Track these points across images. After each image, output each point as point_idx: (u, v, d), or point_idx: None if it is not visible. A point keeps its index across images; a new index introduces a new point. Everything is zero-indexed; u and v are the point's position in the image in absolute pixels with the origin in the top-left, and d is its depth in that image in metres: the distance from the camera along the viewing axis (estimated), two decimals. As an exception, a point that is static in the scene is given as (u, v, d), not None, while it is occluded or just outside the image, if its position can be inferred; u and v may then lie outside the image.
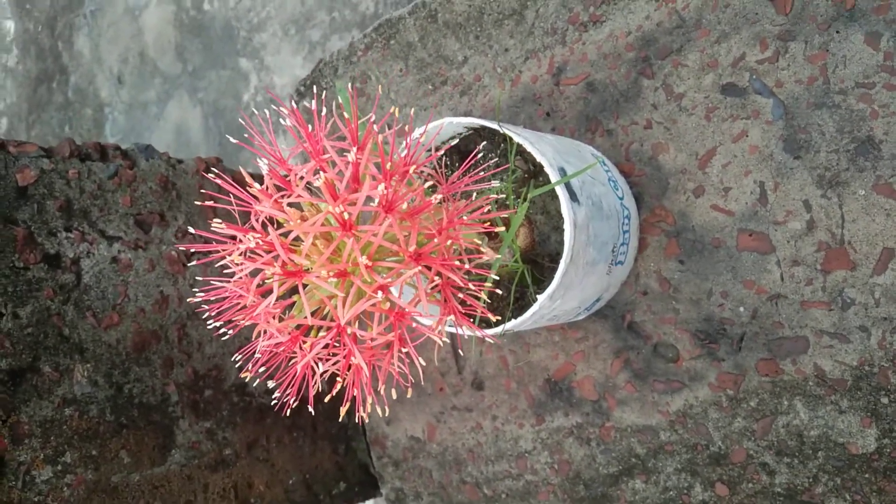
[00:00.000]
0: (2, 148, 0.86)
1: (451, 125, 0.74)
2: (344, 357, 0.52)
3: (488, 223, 0.68)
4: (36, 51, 2.21)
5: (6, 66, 2.29)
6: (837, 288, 0.78)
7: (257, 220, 0.52)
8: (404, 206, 0.52)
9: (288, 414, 1.01)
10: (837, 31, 0.77)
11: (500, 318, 0.78)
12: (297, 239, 0.52)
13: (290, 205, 0.53)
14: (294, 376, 0.56)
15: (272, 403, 0.95)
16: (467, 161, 0.60)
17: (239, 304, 0.55)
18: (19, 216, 0.84)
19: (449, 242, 0.52)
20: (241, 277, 0.53)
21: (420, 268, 0.50)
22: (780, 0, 0.80)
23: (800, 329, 0.80)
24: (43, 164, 0.88)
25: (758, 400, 0.82)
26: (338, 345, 0.53)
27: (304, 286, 0.51)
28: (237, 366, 0.59)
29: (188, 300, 0.61)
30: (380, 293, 0.49)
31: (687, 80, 0.86)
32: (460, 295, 0.56)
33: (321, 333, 0.53)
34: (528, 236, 0.82)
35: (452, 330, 0.80)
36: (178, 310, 0.94)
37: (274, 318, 0.54)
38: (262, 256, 0.51)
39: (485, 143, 0.78)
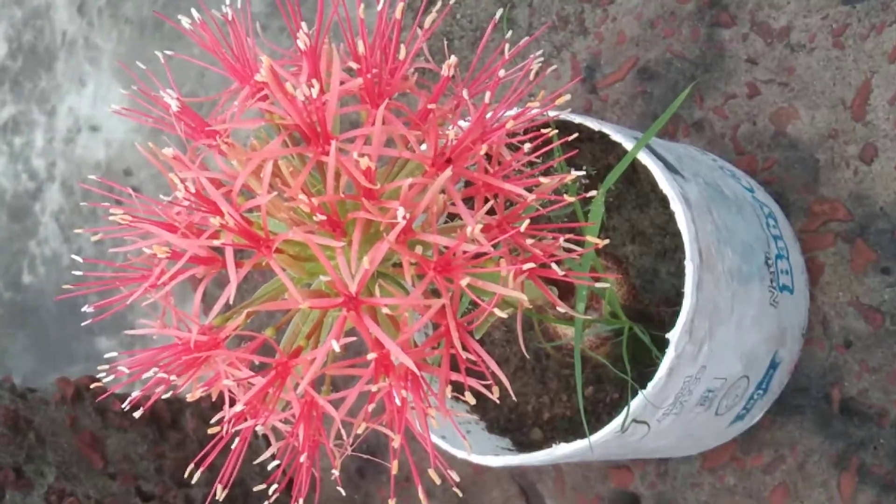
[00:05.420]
0: None
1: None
2: (373, 372, 0.52)
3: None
4: None
5: None
6: None
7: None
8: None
9: None
10: None
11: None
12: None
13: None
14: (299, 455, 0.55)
15: None
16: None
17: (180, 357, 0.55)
18: None
19: (484, 149, 0.55)
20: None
21: (450, 172, 0.52)
22: None
23: None
24: None
25: None
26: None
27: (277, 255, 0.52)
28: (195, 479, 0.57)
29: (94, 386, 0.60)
30: (401, 211, 0.50)
31: (787, 6, 0.93)
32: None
33: (324, 337, 0.54)
34: (622, 283, 0.83)
35: (522, 460, 0.78)
36: None
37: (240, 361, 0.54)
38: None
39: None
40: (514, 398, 0.78)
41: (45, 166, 1.99)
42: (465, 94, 0.56)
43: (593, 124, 0.78)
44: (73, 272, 0.60)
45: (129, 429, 1.05)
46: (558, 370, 0.85)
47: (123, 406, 0.58)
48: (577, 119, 0.78)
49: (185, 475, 0.58)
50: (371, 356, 0.52)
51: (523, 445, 0.84)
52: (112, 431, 1.03)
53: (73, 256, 0.65)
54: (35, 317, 1.99)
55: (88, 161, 1.94)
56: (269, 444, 0.59)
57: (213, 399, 0.56)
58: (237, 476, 1.10)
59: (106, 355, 0.57)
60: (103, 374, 0.58)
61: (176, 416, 1.09)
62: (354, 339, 0.52)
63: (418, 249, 0.53)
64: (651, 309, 0.81)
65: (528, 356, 0.84)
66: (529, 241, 0.56)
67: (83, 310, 0.60)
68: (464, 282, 0.52)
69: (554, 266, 0.56)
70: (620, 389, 0.81)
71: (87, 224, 1.90)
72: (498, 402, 0.78)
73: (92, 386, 0.54)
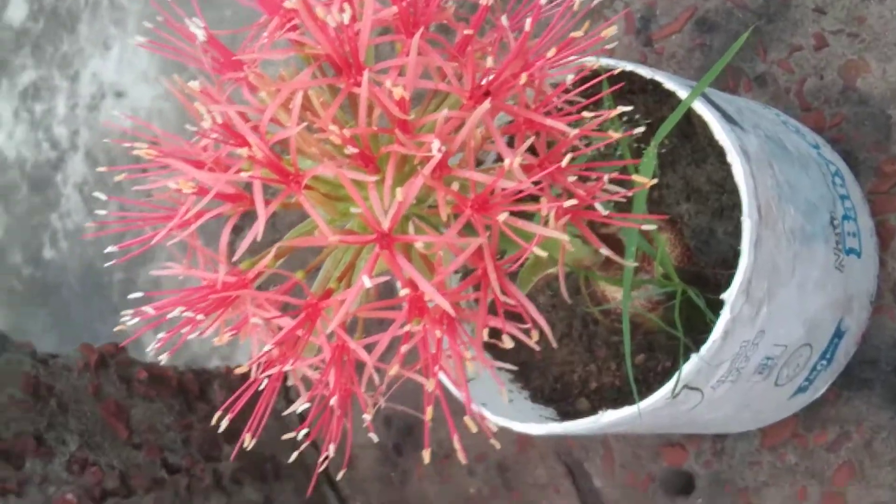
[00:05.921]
0: None
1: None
2: (406, 315, 0.54)
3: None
4: None
5: None
6: None
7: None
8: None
9: None
10: None
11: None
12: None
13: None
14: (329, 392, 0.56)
15: None
16: None
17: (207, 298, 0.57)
18: None
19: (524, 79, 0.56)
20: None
21: (489, 105, 0.53)
22: None
23: None
24: None
25: None
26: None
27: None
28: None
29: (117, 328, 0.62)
30: (436, 143, 0.51)
31: (859, -51, 0.94)
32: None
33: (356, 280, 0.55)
34: (675, 244, 0.84)
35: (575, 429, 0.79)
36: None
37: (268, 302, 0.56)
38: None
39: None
40: (555, 345, 0.79)
41: (67, 135, 2.00)
42: (504, 20, 0.57)
43: (645, 72, 0.78)
44: (98, 230, 0.62)
45: (155, 399, 1.08)
46: (607, 337, 0.86)
47: (148, 350, 0.59)
48: (628, 67, 0.79)
49: (213, 422, 0.60)
50: (404, 292, 0.53)
51: (568, 416, 0.85)
52: (137, 401, 1.06)
53: (97, 194, 0.66)
54: (57, 294, 2.01)
55: (113, 129, 1.95)
56: (301, 419, 0.60)
57: (241, 341, 0.58)
58: (268, 451, 1.13)
59: (130, 296, 0.59)
60: (127, 318, 0.60)
61: (204, 388, 1.11)
62: (388, 278, 0.54)
63: (454, 187, 0.54)
64: (707, 271, 0.82)
65: (573, 315, 0.85)
66: (572, 180, 0.57)
67: (106, 251, 0.62)
68: (501, 217, 0.53)
69: (598, 206, 0.57)
70: (672, 358, 0.81)
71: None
72: (539, 354, 0.79)
73: (116, 328, 0.56)
